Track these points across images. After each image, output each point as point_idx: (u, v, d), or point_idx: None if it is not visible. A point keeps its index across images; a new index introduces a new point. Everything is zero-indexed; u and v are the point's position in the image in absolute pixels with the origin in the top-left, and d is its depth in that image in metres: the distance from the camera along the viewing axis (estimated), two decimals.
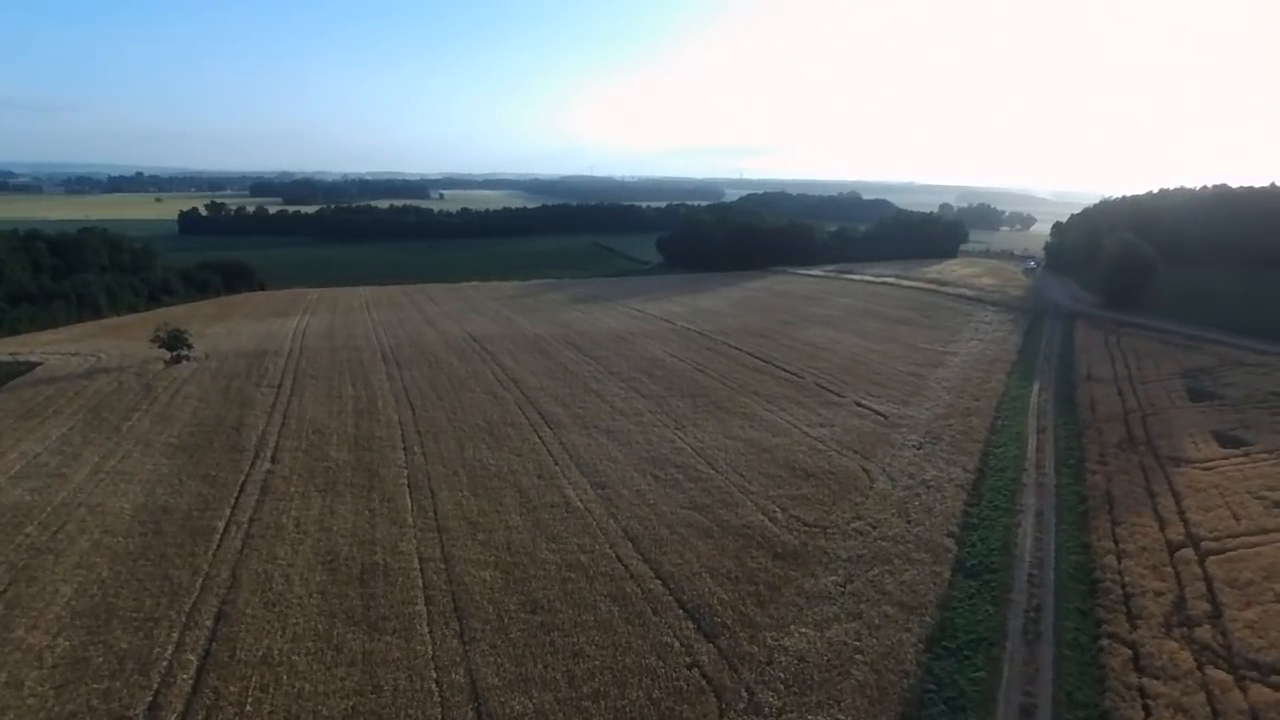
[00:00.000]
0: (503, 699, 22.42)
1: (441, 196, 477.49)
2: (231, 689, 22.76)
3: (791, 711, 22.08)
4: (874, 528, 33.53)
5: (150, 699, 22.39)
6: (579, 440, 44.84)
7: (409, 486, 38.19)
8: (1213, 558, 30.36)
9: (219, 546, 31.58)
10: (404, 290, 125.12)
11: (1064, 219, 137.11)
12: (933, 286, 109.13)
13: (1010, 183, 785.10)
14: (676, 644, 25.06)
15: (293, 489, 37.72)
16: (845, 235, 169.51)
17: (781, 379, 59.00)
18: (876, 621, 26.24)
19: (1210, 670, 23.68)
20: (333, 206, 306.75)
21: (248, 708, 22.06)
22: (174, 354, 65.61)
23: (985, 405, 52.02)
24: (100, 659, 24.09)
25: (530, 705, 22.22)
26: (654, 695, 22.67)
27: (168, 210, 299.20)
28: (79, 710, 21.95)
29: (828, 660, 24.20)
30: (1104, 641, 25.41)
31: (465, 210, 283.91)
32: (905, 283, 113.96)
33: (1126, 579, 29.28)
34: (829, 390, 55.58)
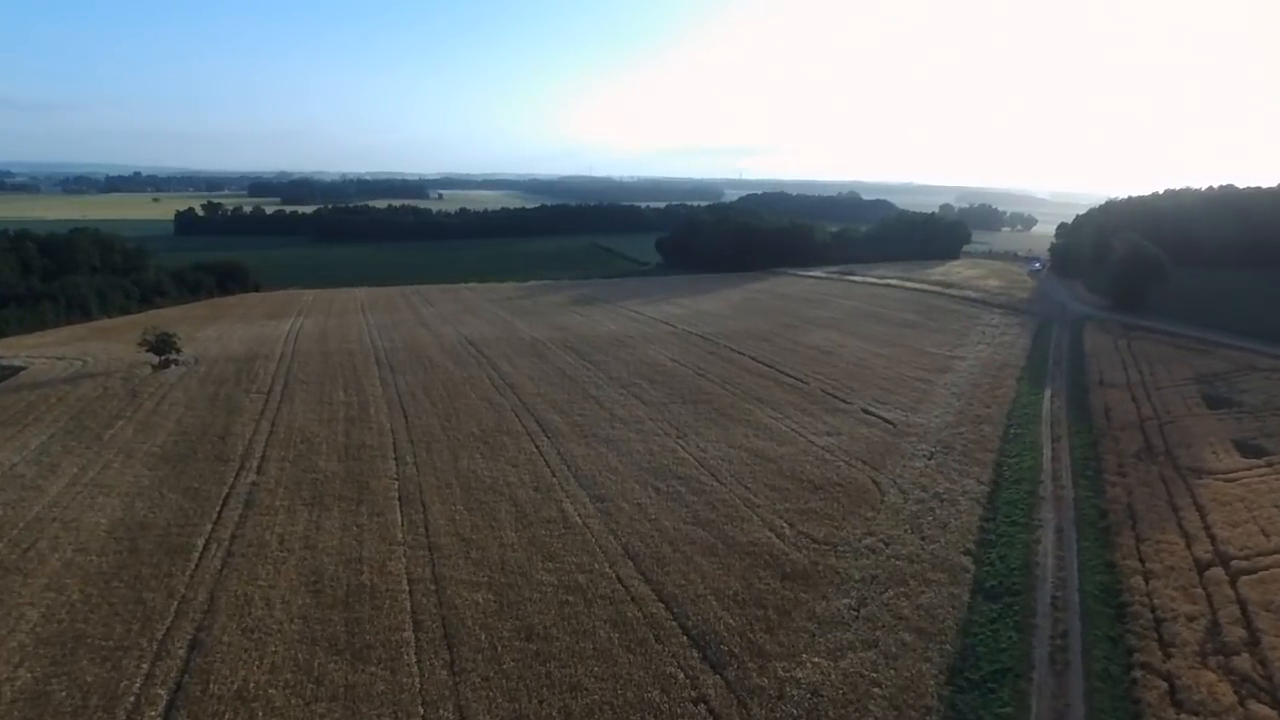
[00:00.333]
0: None
1: (440, 196, 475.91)
2: None
3: None
4: (887, 545, 31.94)
5: None
6: (577, 450, 43.24)
7: (399, 499, 36.57)
8: (1244, 578, 28.81)
9: (197, 566, 29.94)
10: (401, 291, 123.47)
11: (1064, 219, 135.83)
12: (937, 288, 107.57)
13: (1009, 183, 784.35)
14: (681, 675, 23.45)
15: (278, 502, 36.09)
16: (846, 236, 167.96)
17: (785, 384, 57.41)
18: (894, 650, 24.64)
19: (1253, 705, 22.11)
20: (330, 206, 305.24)
21: None
22: (162, 358, 63.96)
23: (996, 413, 50.45)
24: (63, 693, 22.45)
25: None
26: None
27: (165, 210, 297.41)
28: None
29: (843, 694, 22.59)
30: (1137, 673, 23.81)
31: (464, 210, 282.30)
32: (909, 284, 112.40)
33: (1155, 602, 27.68)
34: (835, 397, 54.00)
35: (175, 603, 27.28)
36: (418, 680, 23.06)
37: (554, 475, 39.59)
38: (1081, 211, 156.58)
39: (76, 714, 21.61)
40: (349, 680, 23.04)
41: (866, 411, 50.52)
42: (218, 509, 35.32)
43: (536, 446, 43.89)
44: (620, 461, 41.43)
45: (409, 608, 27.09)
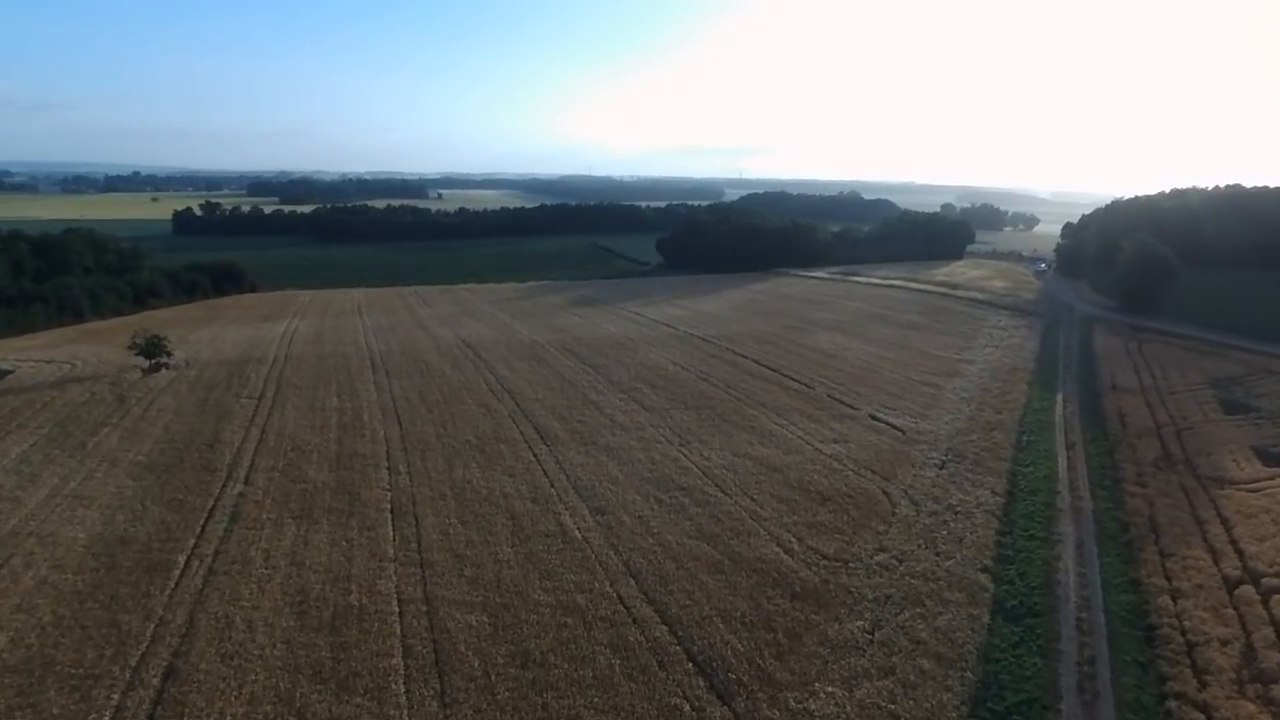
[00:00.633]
0: None
1: (440, 196, 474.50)
2: None
3: None
4: (900, 561, 30.52)
5: None
6: (577, 458, 41.81)
7: (392, 512, 35.12)
8: (1277, 597, 27.43)
9: (177, 585, 28.50)
10: (398, 292, 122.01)
11: (1065, 219, 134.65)
12: (942, 289, 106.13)
13: (1010, 183, 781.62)
14: (686, 707, 22.04)
15: (265, 515, 34.64)
16: (849, 236, 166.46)
17: (790, 389, 55.97)
18: (912, 678, 23.21)
19: None
20: (329, 206, 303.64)
21: None
22: (152, 362, 62.50)
23: (1008, 419, 49.03)
24: None
25: None
26: None
27: (163, 210, 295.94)
28: None
29: None
30: (1171, 703, 22.41)
31: (463, 210, 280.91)
32: (913, 285, 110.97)
33: (1186, 624, 26.28)
34: (841, 402, 52.56)
35: (152, 625, 25.83)
36: (406, 713, 21.65)
37: (552, 486, 38.17)
38: (1082, 211, 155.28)
39: None
40: (332, 713, 21.62)
41: (874, 418, 49.09)
42: (202, 522, 33.88)
43: (534, 455, 42.47)
44: (621, 471, 40.01)
45: (398, 631, 25.66)
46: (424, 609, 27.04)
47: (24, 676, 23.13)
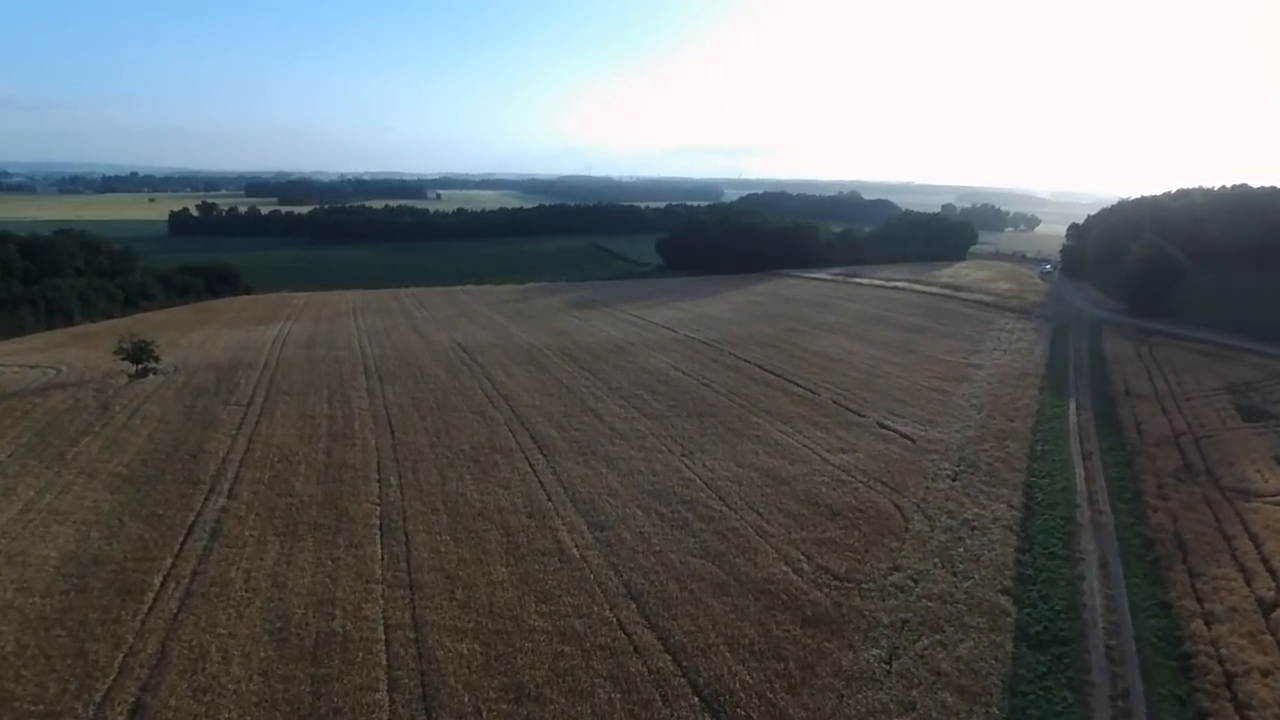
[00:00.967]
0: None
1: (438, 196, 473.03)
2: None
3: None
4: (916, 582, 28.92)
5: None
6: (575, 469, 40.21)
7: (380, 528, 33.51)
8: None
9: (150, 610, 26.87)
10: (394, 294, 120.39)
11: (1066, 219, 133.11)
12: (947, 291, 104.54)
13: (1009, 183, 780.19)
14: None
15: (247, 532, 33.02)
16: (850, 236, 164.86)
17: (795, 395, 54.38)
18: (934, 715, 21.62)
19: None
20: (326, 207, 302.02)
21: None
22: (139, 367, 60.87)
23: (1021, 427, 47.47)
24: None
25: None
26: None
27: (160, 210, 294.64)
28: None
29: None
30: None
31: (461, 210, 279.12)
32: (917, 287, 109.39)
33: (1222, 652, 24.66)
34: (848, 409, 50.99)
35: (121, 655, 24.20)
36: None
37: (549, 499, 36.57)
38: (1083, 211, 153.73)
39: None
40: None
41: (882, 425, 47.51)
42: (181, 540, 32.24)
43: (531, 466, 40.87)
44: (621, 483, 38.40)
45: (384, 661, 24.04)
46: (412, 636, 25.43)
47: None
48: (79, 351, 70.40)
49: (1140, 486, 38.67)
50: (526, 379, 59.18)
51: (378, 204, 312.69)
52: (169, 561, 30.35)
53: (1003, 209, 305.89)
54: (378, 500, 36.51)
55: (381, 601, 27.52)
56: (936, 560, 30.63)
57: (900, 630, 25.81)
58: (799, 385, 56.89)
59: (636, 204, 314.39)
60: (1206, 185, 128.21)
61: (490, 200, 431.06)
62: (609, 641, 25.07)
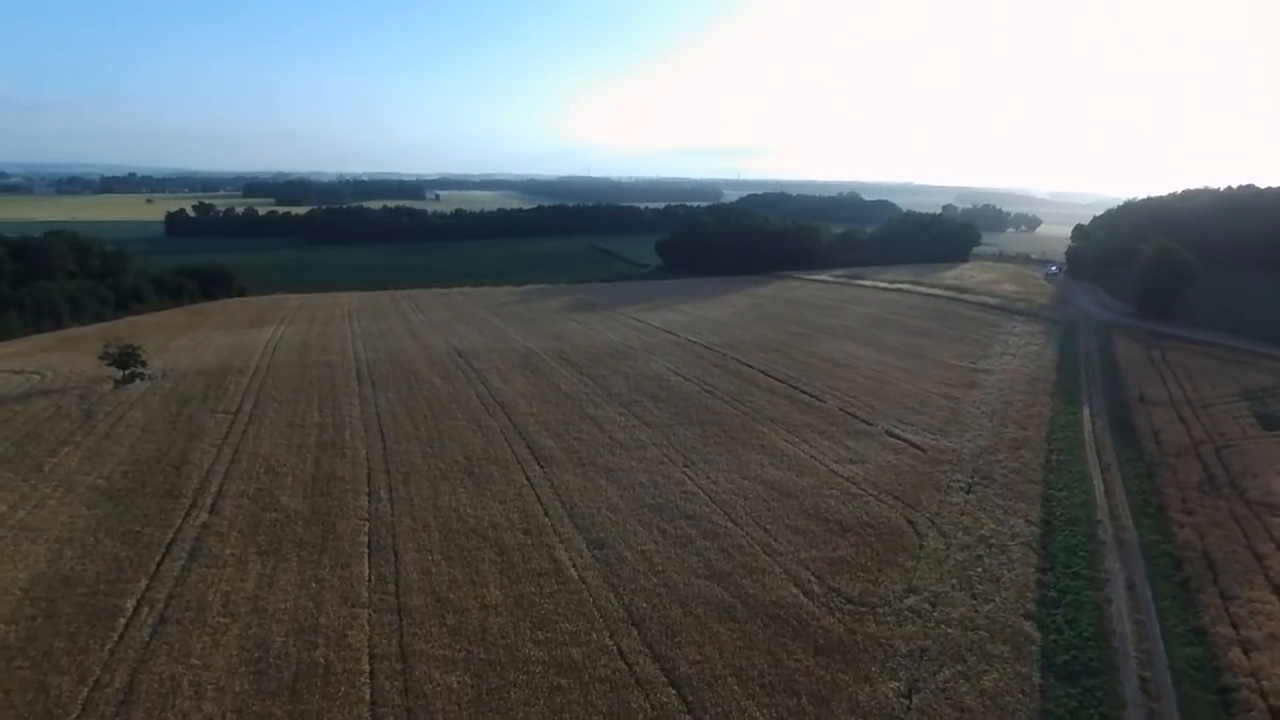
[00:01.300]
0: None
1: (437, 197, 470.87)
2: None
3: None
4: (933, 606, 27.33)
5: None
6: (573, 482, 38.59)
7: (369, 546, 31.88)
8: None
9: (121, 638, 25.23)
10: (390, 296, 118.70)
11: (1065, 220, 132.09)
12: (952, 294, 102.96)
13: (1008, 183, 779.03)
14: None
15: (229, 551, 31.39)
16: (852, 238, 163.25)
17: (800, 402, 52.78)
18: None
19: None
20: (323, 207, 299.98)
21: None
22: (126, 372, 59.17)
23: (1035, 435, 45.91)
24: None
25: None
26: None
27: (157, 211, 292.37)
28: None
29: None
30: None
31: (459, 211, 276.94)
32: (922, 289, 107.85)
33: (1264, 684, 23.10)
34: (855, 417, 49.39)
35: (86, 690, 22.57)
36: None
37: (546, 514, 34.95)
38: (1082, 211, 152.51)
39: None
40: None
41: (891, 434, 45.92)
42: (158, 559, 30.61)
43: (527, 477, 39.25)
44: (621, 497, 36.80)
45: (368, 696, 22.42)
46: (399, 667, 23.81)
47: None
48: (65, 356, 68.71)
49: (1163, 500, 37.12)
50: (523, 385, 57.56)
51: (375, 205, 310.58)
52: (144, 584, 28.71)
53: (1003, 209, 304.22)
54: (366, 515, 34.89)
55: (367, 628, 25.89)
56: (954, 581, 29.05)
57: (919, 660, 24.21)
58: (804, 392, 55.29)
59: (636, 204, 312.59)
60: (1213, 186, 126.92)
61: (489, 201, 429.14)
62: (609, 673, 23.47)
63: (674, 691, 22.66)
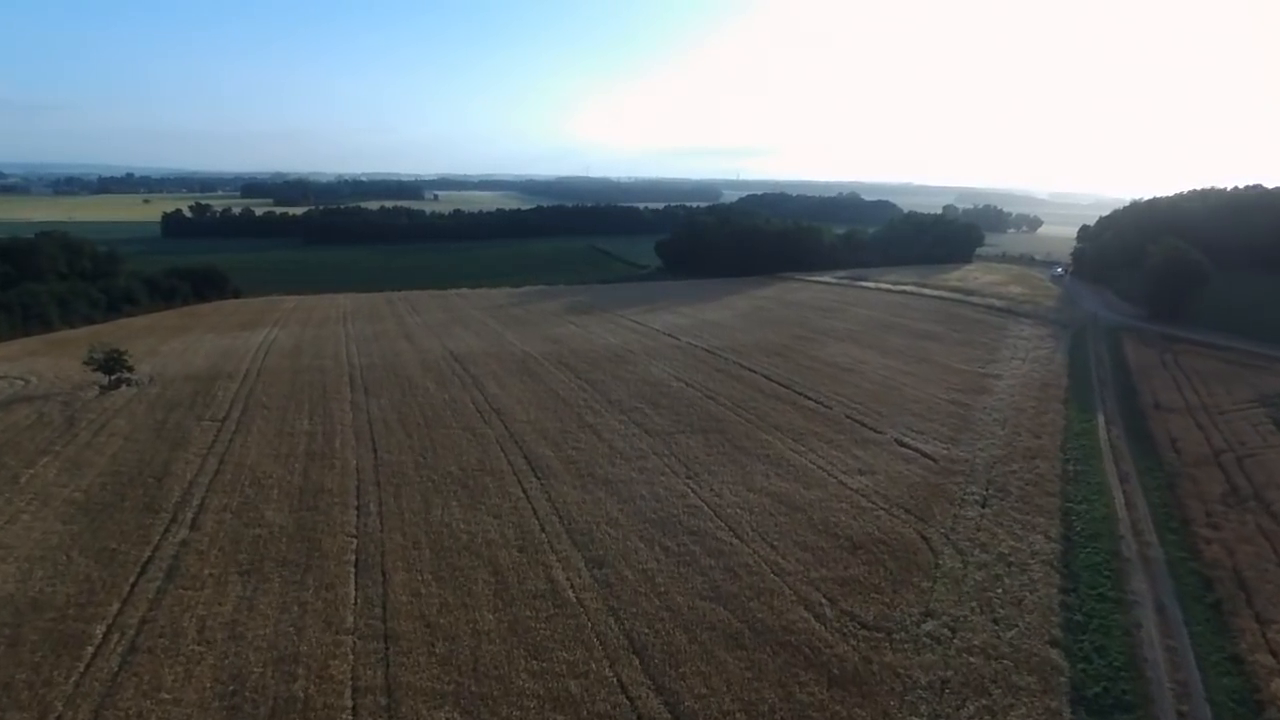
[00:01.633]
0: None
1: (436, 197, 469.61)
2: None
3: None
4: (953, 631, 25.74)
5: None
6: (571, 494, 37.00)
7: (355, 565, 30.28)
8: None
9: (87, 669, 23.61)
10: (387, 298, 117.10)
11: (1066, 220, 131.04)
12: (957, 296, 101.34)
13: (1007, 183, 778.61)
14: None
15: (208, 570, 29.79)
16: (854, 238, 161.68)
17: (805, 409, 51.20)
18: None
19: None
20: (320, 208, 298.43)
21: None
22: (112, 378, 57.60)
23: (1049, 444, 44.34)
24: None
25: None
26: None
27: (154, 212, 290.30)
28: None
29: None
30: None
31: (458, 212, 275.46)
32: (926, 291, 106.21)
33: None
34: (862, 424, 47.82)
35: None
36: None
37: (543, 530, 33.36)
38: (1082, 211, 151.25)
39: None
40: None
41: (901, 443, 44.34)
42: (132, 580, 29.00)
43: (524, 490, 37.65)
44: (621, 511, 35.20)
45: None
46: (384, 702, 22.22)
47: None
48: (51, 361, 67.07)
49: (1187, 514, 35.55)
50: (520, 391, 55.95)
51: (374, 205, 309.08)
52: (115, 607, 27.09)
53: (1004, 210, 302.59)
54: (354, 531, 33.28)
55: (351, 657, 24.28)
56: (974, 604, 27.47)
57: (941, 694, 22.63)
58: (809, 398, 53.71)
59: (635, 205, 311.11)
60: (1218, 186, 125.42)
61: (488, 201, 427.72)
62: (609, 709, 21.89)
63: None
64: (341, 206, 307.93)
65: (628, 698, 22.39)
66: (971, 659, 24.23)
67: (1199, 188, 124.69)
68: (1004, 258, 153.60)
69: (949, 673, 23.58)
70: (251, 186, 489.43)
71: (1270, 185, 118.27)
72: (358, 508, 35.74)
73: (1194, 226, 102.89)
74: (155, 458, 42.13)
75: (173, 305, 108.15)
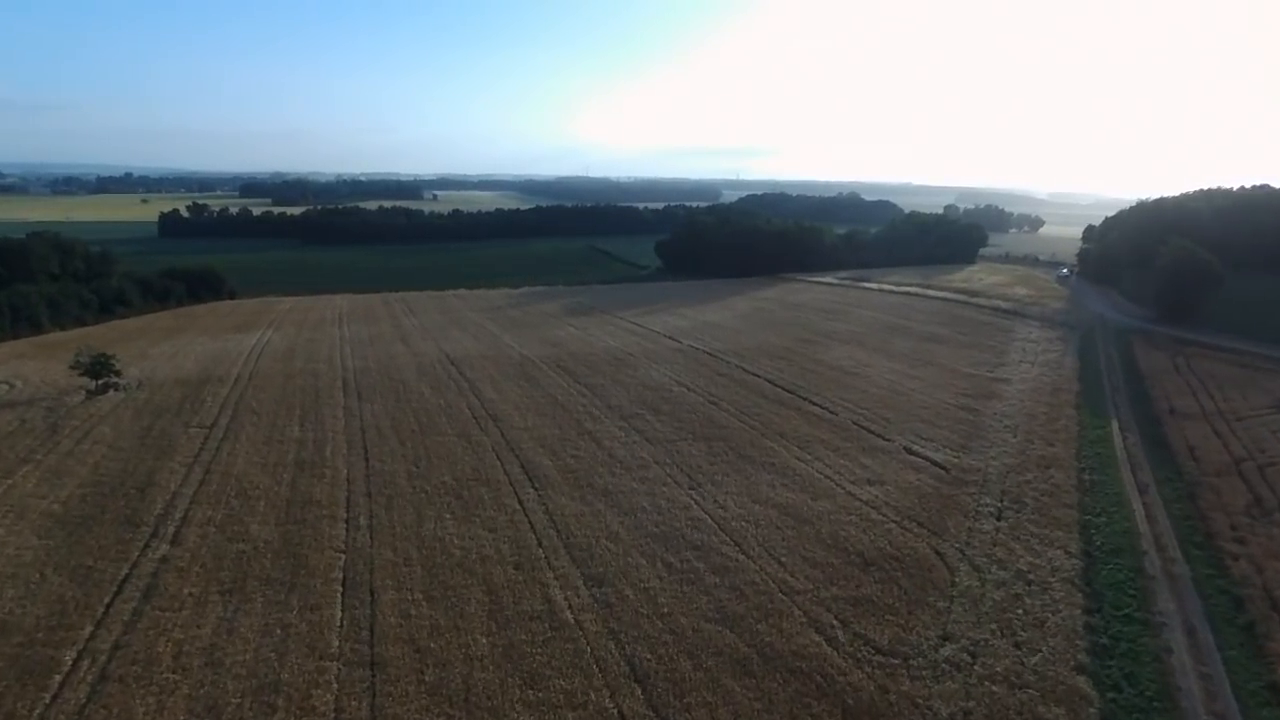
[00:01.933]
0: None
1: (435, 197, 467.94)
2: None
3: None
4: (973, 657, 24.31)
5: None
6: (569, 506, 35.58)
7: (343, 584, 28.83)
8: None
9: (53, 701, 22.16)
10: (384, 299, 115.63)
11: (1066, 220, 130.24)
12: (962, 297, 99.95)
13: (1007, 183, 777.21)
14: None
15: (187, 590, 28.35)
16: (855, 239, 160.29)
17: (811, 415, 49.79)
18: None
19: None
20: (319, 208, 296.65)
21: None
22: (99, 382, 56.15)
23: (1063, 453, 42.95)
24: None
25: None
26: None
27: (152, 212, 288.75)
28: None
29: None
30: None
31: (457, 212, 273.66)
32: (930, 293, 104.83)
33: None
34: (869, 431, 46.41)
35: None
36: None
37: (540, 544, 31.93)
38: (1082, 211, 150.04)
39: None
40: None
41: (910, 451, 42.94)
42: (107, 600, 27.56)
43: (520, 501, 36.23)
44: (621, 524, 33.78)
45: None
46: None
47: None
48: (39, 364, 65.61)
49: (1210, 527, 34.13)
50: (518, 396, 54.52)
51: (372, 205, 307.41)
52: (88, 630, 25.65)
53: (1005, 210, 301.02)
54: (343, 546, 31.85)
55: (335, 686, 22.85)
56: (994, 626, 26.04)
57: None
58: (814, 403, 52.29)
59: (634, 205, 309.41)
60: (1224, 186, 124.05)
61: (487, 201, 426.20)
62: None
63: None
64: (340, 207, 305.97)
65: None
66: (994, 688, 22.81)
67: (1204, 188, 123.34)
68: (1007, 258, 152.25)
69: (970, 703, 22.16)
70: (250, 186, 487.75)
71: (1277, 185, 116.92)
72: (347, 521, 34.31)
73: (1201, 227, 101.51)
74: (139, 467, 40.69)
75: (167, 307, 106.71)
